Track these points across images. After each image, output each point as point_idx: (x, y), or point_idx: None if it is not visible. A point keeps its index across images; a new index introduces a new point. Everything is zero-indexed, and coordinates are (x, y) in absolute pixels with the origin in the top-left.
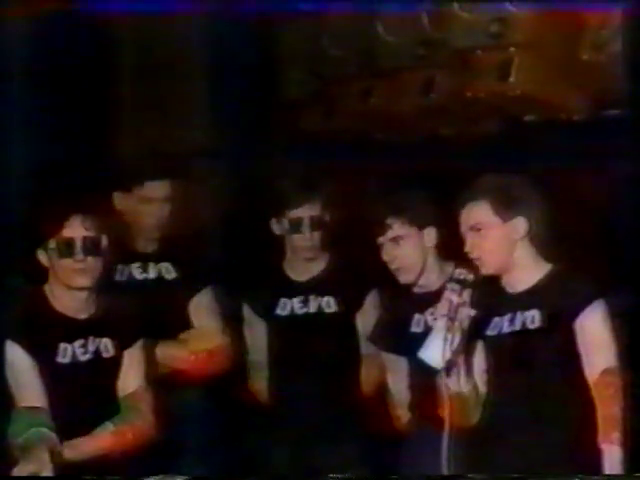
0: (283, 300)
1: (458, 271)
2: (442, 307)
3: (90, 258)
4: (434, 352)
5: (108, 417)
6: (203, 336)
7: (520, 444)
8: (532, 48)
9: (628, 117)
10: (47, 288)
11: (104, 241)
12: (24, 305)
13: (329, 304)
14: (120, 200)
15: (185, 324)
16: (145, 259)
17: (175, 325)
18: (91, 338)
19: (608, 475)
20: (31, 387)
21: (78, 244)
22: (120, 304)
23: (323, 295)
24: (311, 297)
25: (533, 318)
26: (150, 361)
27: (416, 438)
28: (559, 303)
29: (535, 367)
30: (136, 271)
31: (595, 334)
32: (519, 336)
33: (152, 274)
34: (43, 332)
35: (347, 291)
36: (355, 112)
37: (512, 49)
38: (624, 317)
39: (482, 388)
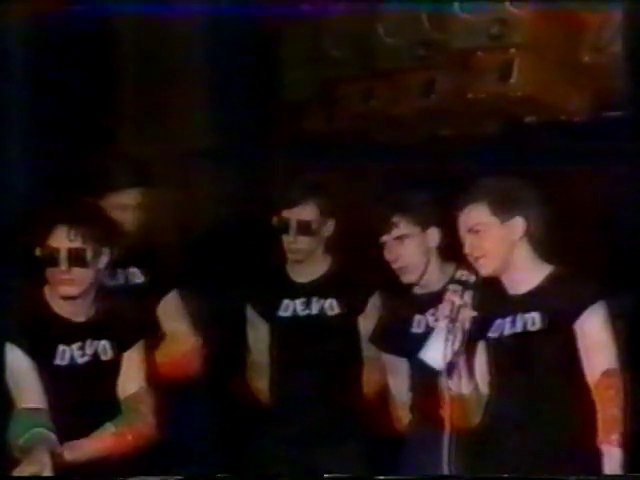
0: (286, 302)
1: (459, 272)
2: (443, 308)
3: (76, 269)
4: (435, 353)
5: (108, 419)
6: (174, 340)
7: (521, 445)
8: (533, 49)
9: (628, 118)
10: (47, 290)
11: (89, 252)
12: (23, 307)
13: (332, 306)
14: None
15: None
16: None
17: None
18: (89, 341)
19: (608, 476)
20: (31, 388)
21: (63, 255)
22: (118, 307)
23: (326, 297)
24: (313, 299)
25: (534, 320)
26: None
27: (417, 439)
28: (560, 305)
29: (536, 369)
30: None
31: (595, 336)
32: (520, 338)
33: (121, 279)
34: (42, 334)
35: (350, 293)
36: (356, 113)
37: (513, 50)
38: (624, 319)
39: (484, 390)
